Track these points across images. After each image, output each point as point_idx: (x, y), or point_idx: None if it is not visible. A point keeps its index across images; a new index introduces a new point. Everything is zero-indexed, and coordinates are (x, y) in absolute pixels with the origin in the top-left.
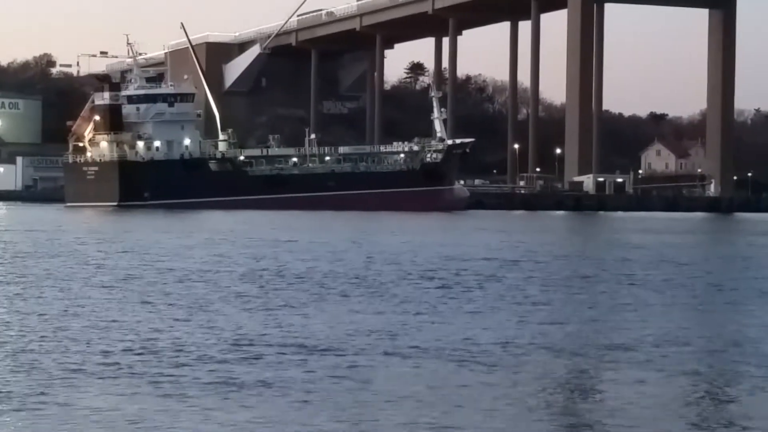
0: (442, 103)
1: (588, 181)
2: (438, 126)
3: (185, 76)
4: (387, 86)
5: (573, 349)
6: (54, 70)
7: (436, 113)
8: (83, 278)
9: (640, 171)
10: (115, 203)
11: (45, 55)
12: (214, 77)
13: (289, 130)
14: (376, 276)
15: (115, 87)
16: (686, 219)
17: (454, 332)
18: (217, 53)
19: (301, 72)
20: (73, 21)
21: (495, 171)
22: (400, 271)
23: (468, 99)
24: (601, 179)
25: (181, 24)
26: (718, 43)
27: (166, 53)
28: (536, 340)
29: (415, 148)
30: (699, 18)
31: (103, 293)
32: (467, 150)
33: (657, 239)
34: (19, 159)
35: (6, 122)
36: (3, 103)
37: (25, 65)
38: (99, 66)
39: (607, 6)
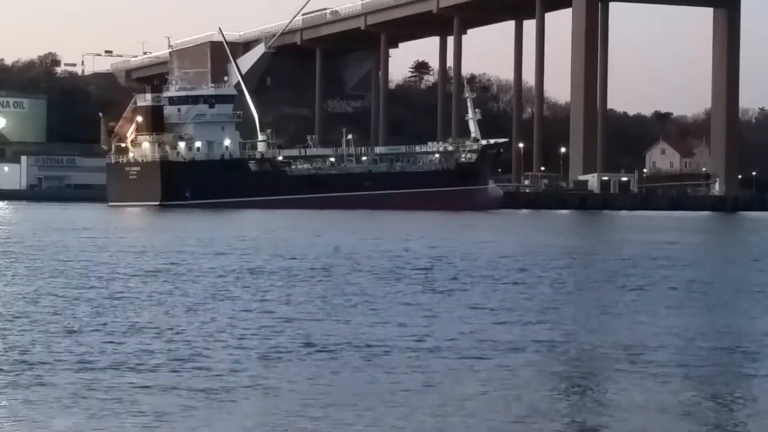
0: (447, 102)
1: (592, 180)
2: (472, 126)
3: (225, 78)
4: (392, 85)
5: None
6: (59, 70)
7: (470, 114)
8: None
9: (645, 170)
10: (157, 203)
11: (50, 54)
12: (219, 76)
13: (294, 129)
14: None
15: (156, 89)
16: (691, 218)
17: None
18: (222, 52)
19: (305, 71)
20: (77, 20)
21: (500, 170)
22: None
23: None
24: (605, 178)
25: (219, 29)
26: (723, 42)
27: (171, 51)
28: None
29: (450, 148)
30: (703, 17)
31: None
32: (501, 150)
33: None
34: (23, 158)
35: (11, 121)
36: (8, 102)
37: (30, 64)
38: (104, 65)
39: (612, 5)
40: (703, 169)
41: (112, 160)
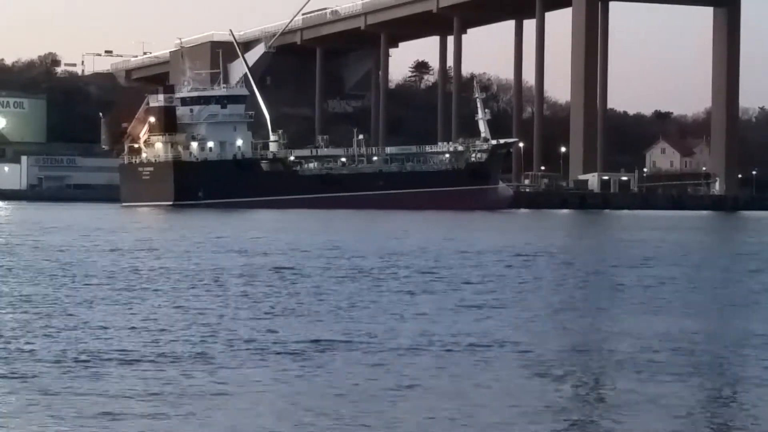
0: (448, 101)
1: (593, 180)
2: (482, 126)
3: (237, 78)
4: (392, 85)
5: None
6: (59, 70)
7: (480, 114)
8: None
9: (645, 169)
10: (170, 203)
11: (50, 54)
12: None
13: (294, 129)
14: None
15: (169, 89)
16: (691, 217)
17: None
18: (222, 52)
19: (305, 71)
20: (77, 20)
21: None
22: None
23: (472, 98)
24: (605, 177)
25: (230, 31)
26: (723, 42)
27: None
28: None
29: (460, 148)
30: (703, 16)
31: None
32: (511, 150)
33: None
34: (23, 158)
35: (11, 121)
36: (8, 102)
37: (30, 64)
38: (104, 65)
39: (612, 4)
40: (703, 168)
41: (125, 161)
